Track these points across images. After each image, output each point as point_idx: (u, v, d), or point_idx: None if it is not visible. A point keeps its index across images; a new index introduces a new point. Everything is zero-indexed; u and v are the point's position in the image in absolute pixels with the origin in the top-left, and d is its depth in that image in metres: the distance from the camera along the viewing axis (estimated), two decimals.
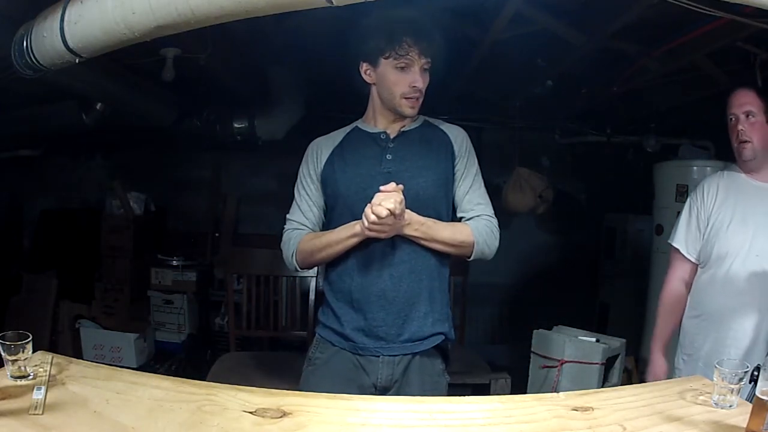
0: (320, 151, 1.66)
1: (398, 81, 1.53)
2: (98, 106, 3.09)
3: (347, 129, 1.70)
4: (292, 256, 1.62)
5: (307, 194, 1.66)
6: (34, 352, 1.14)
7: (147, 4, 1.46)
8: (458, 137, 1.65)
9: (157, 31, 1.53)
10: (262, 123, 3.62)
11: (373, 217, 1.36)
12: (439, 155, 1.60)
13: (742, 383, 1.15)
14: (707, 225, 1.88)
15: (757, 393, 1.04)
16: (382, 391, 1.54)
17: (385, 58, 1.53)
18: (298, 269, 1.67)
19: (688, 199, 1.99)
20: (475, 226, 1.58)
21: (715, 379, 1.18)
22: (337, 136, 1.69)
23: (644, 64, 2.62)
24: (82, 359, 1.32)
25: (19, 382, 1.09)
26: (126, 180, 4.05)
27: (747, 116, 1.79)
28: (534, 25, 2.32)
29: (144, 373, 1.40)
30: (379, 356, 1.53)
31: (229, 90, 3.41)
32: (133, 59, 2.63)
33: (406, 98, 1.55)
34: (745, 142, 1.79)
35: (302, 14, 1.51)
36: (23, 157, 3.88)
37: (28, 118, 3.28)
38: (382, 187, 1.40)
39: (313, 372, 1.62)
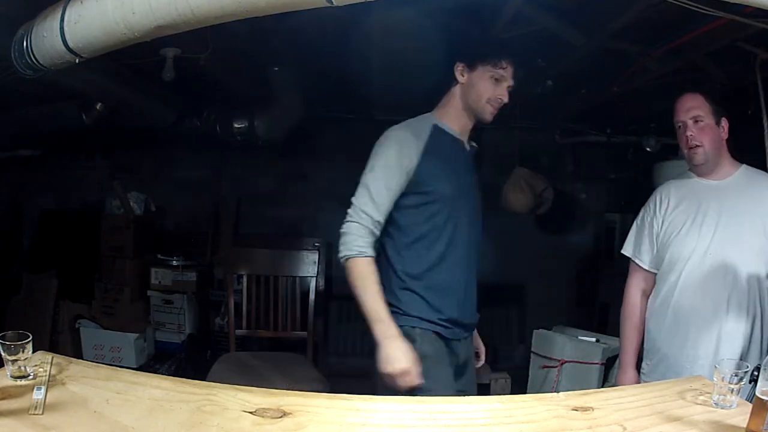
0: (412, 144, 1.67)
1: (489, 89, 1.69)
2: (98, 106, 3.09)
3: (427, 125, 1.73)
4: (346, 259, 1.62)
5: (391, 187, 1.65)
6: (34, 352, 1.14)
7: (147, 4, 1.46)
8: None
9: (157, 31, 1.53)
10: (262, 123, 3.62)
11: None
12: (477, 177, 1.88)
13: (742, 383, 1.15)
14: (660, 232, 1.89)
15: (757, 393, 1.04)
16: (463, 368, 1.78)
17: (484, 65, 1.68)
18: (343, 263, 1.64)
19: (641, 210, 2.01)
20: None
21: (715, 379, 1.18)
22: (421, 131, 1.72)
23: (644, 64, 2.62)
24: (82, 359, 1.32)
25: (19, 382, 1.09)
26: (126, 180, 4.05)
27: (695, 121, 1.80)
28: (534, 25, 2.32)
29: (144, 373, 1.40)
30: (460, 339, 1.75)
31: (229, 90, 3.41)
32: (133, 59, 2.63)
33: (490, 104, 1.70)
34: (697, 146, 1.79)
35: (302, 14, 1.51)
36: (23, 157, 3.88)
37: (28, 118, 3.28)
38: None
39: (431, 366, 1.63)
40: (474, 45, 1.78)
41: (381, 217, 1.64)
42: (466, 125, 1.78)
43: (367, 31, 2.39)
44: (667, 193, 1.91)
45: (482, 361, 1.99)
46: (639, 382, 1.92)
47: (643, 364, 1.94)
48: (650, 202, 1.97)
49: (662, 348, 1.86)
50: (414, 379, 1.52)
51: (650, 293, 1.93)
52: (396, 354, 1.52)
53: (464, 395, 1.52)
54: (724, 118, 1.81)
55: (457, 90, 1.74)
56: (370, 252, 1.61)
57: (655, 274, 1.92)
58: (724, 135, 1.82)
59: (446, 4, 2.13)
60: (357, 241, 1.61)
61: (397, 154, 1.65)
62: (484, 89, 1.69)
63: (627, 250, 2.00)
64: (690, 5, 1.61)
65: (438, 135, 1.71)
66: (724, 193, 1.80)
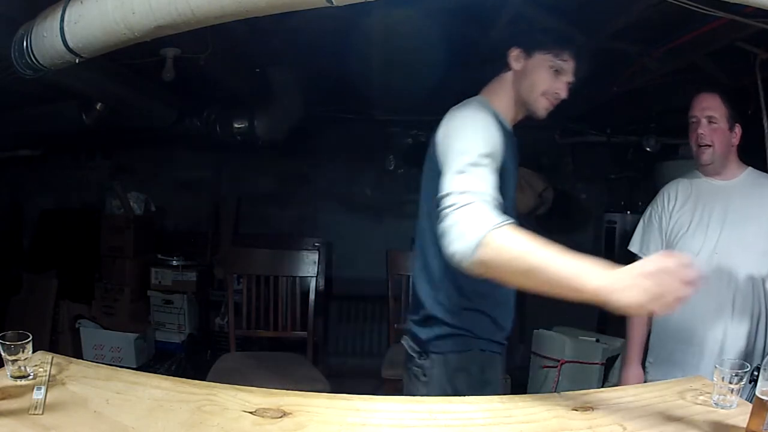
0: (495, 126, 1.41)
1: (546, 80, 1.49)
2: (98, 106, 3.09)
3: (489, 110, 1.47)
4: (477, 247, 1.13)
5: (495, 163, 1.32)
6: (34, 352, 1.14)
7: (147, 4, 1.46)
8: None
9: (157, 31, 1.53)
10: (262, 123, 3.62)
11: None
12: None
13: (742, 383, 1.15)
14: (668, 230, 1.90)
15: (757, 393, 1.04)
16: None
17: (544, 54, 1.49)
18: (470, 269, 1.16)
19: (648, 207, 2.01)
20: None
21: (715, 379, 1.18)
22: (490, 115, 1.46)
23: (644, 64, 2.62)
24: (82, 359, 1.32)
25: (19, 382, 1.09)
26: (126, 180, 4.05)
27: (709, 121, 1.79)
28: (534, 25, 2.32)
29: (144, 373, 1.40)
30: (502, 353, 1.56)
31: (229, 90, 3.41)
32: (133, 59, 2.63)
33: (546, 98, 1.51)
34: (706, 146, 1.80)
35: (302, 14, 1.51)
36: (23, 157, 3.88)
37: (28, 118, 3.28)
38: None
39: (492, 394, 1.39)
40: (534, 30, 1.56)
41: (495, 194, 1.24)
42: (516, 118, 1.58)
43: (367, 31, 2.39)
44: (675, 191, 1.92)
45: None
46: (643, 378, 1.93)
47: (649, 358, 1.95)
48: (657, 199, 1.97)
49: (668, 345, 1.87)
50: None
51: None
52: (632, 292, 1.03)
53: None
54: (738, 124, 1.82)
55: (509, 77, 1.54)
56: (509, 220, 1.17)
57: None
58: (736, 141, 1.82)
59: (446, 5, 2.12)
60: (476, 224, 1.15)
61: (492, 131, 1.37)
62: (540, 80, 1.49)
63: (634, 246, 2.01)
64: (690, 5, 1.61)
65: (500, 124, 1.46)
66: (730, 194, 1.81)
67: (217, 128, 3.72)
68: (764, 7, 1.30)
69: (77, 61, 1.73)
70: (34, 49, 1.80)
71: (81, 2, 1.60)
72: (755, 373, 1.32)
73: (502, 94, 1.55)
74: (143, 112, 3.36)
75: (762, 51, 2.18)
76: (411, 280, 1.67)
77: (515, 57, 1.52)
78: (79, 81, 2.57)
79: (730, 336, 1.75)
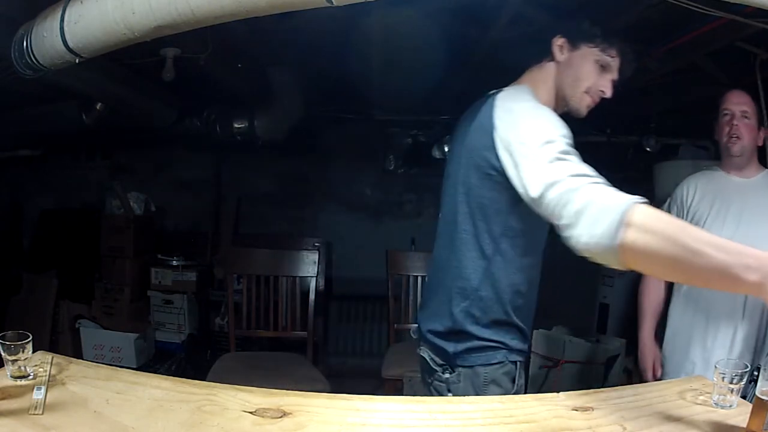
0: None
1: (592, 75, 1.40)
2: (98, 106, 3.09)
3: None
4: (618, 227, 0.98)
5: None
6: (34, 352, 1.14)
7: (147, 4, 1.46)
8: None
9: (157, 31, 1.53)
10: (262, 123, 3.62)
11: None
12: None
13: (742, 383, 1.15)
14: (688, 221, 1.92)
15: (757, 393, 1.04)
16: None
17: (590, 47, 1.39)
18: (612, 256, 1.02)
19: (668, 200, 2.06)
20: None
21: (715, 379, 1.18)
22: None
23: (644, 64, 2.62)
24: (82, 359, 1.32)
25: (19, 382, 1.09)
26: (126, 180, 4.05)
27: (742, 115, 1.86)
28: (534, 25, 2.32)
29: (144, 373, 1.39)
30: None
31: (229, 90, 3.41)
32: (133, 59, 2.63)
33: (590, 95, 1.41)
34: (737, 137, 1.86)
35: (302, 14, 1.51)
36: (23, 157, 3.88)
37: (28, 118, 3.28)
38: None
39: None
40: (581, 21, 1.43)
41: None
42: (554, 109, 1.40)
43: (367, 31, 2.39)
44: (694, 185, 1.96)
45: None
46: (659, 355, 1.99)
47: (664, 347, 1.99)
48: (677, 192, 2.02)
49: (683, 336, 1.90)
50: None
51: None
52: None
53: None
54: (763, 128, 1.90)
55: (551, 68, 1.43)
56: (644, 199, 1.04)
57: None
58: (759, 141, 1.89)
59: (446, 5, 2.12)
60: (616, 195, 1.04)
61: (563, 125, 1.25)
62: (585, 74, 1.39)
63: None
64: (690, 5, 1.61)
65: None
66: (748, 192, 1.86)
67: (217, 128, 3.73)
68: (764, 7, 1.30)
69: (77, 61, 1.73)
70: (34, 49, 1.80)
71: (81, 2, 1.60)
72: (755, 373, 1.33)
73: (543, 85, 1.43)
74: (143, 112, 3.36)
75: (762, 51, 2.19)
76: (426, 287, 1.57)
77: (560, 47, 1.41)
78: (79, 81, 2.57)
79: (740, 335, 1.78)
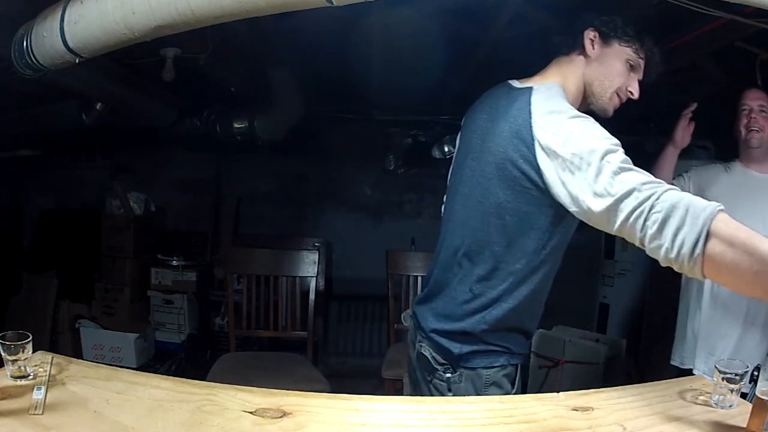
0: None
1: (624, 74, 1.36)
2: (98, 106, 3.09)
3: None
4: (703, 235, 0.96)
5: None
6: (34, 352, 1.14)
7: (147, 4, 1.46)
8: None
9: (157, 31, 1.53)
10: (262, 123, 3.62)
11: None
12: None
13: (742, 383, 1.15)
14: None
15: (757, 393, 1.04)
16: None
17: (623, 45, 1.35)
18: (696, 267, 0.99)
19: (675, 182, 2.07)
20: None
21: (715, 379, 1.18)
22: None
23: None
24: (82, 359, 1.32)
25: (19, 382, 1.09)
26: (126, 180, 4.05)
27: (761, 110, 1.93)
28: (534, 25, 2.32)
29: (144, 373, 1.39)
30: None
31: (229, 90, 3.41)
32: (133, 59, 2.63)
33: (619, 95, 1.38)
34: (756, 130, 1.92)
35: (302, 14, 1.51)
36: (23, 157, 3.88)
37: (28, 118, 3.27)
38: None
39: None
40: (615, 17, 1.37)
41: None
42: (577, 107, 1.35)
43: (367, 31, 2.39)
44: (712, 171, 2.04)
45: None
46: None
47: (687, 330, 2.00)
48: (691, 171, 2.10)
49: (694, 329, 1.93)
50: None
51: None
52: None
53: None
54: None
55: (580, 62, 1.37)
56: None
57: None
58: None
59: (446, 5, 2.12)
60: (696, 201, 1.01)
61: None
62: (617, 73, 1.34)
63: None
64: (690, 5, 1.61)
65: None
66: (762, 186, 1.91)
67: (217, 128, 3.73)
68: (764, 7, 1.30)
69: (77, 61, 1.73)
70: (34, 49, 1.80)
71: (81, 2, 1.60)
72: (755, 373, 1.33)
73: (572, 79, 1.37)
74: (143, 112, 3.36)
75: (762, 51, 2.19)
76: (432, 283, 1.52)
77: (591, 40, 1.35)
78: (79, 81, 2.57)
79: (750, 332, 1.80)
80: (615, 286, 4.03)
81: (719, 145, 3.30)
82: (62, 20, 1.64)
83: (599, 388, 1.28)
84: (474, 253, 1.37)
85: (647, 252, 1.06)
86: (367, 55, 2.70)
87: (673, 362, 2.01)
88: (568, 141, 1.18)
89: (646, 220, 1.04)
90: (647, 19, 2.06)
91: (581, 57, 1.37)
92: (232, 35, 2.37)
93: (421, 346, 1.47)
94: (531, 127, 1.23)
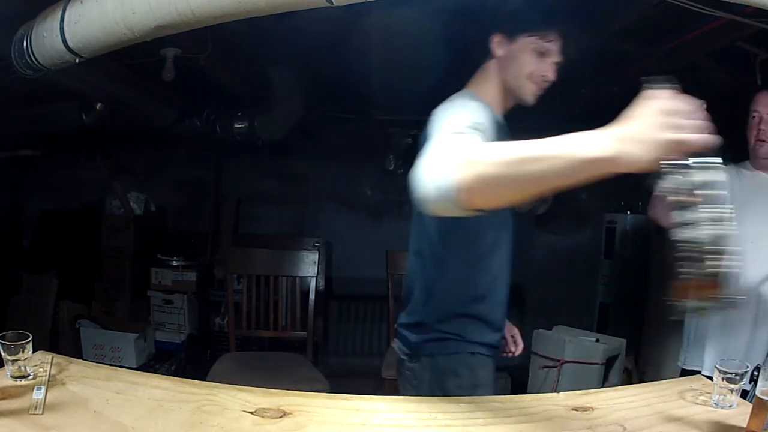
0: (484, 116, 1.28)
1: (531, 63, 1.43)
2: (98, 106, 3.10)
3: (480, 102, 1.40)
4: (455, 167, 0.93)
5: (486, 136, 1.16)
6: (34, 352, 1.14)
7: (147, 4, 1.46)
8: None
9: (157, 31, 1.54)
10: (262, 123, 3.62)
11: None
12: None
13: (742, 383, 1.15)
14: None
15: (757, 393, 1.04)
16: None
17: (527, 37, 1.42)
18: (453, 198, 0.92)
19: None
20: None
21: (715, 379, 1.18)
22: (482, 106, 1.37)
23: (644, 64, 2.61)
24: (82, 359, 1.32)
25: (19, 382, 1.09)
26: (126, 180, 4.05)
27: None
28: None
29: (144, 373, 1.40)
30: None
31: (229, 90, 3.41)
32: (133, 59, 2.63)
33: (532, 81, 1.45)
34: (763, 141, 1.86)
35: (302, 14, 1.51)
36: (23, 157, 3.88)
37: (28, 118, 3.27)
38: None
39: (480, 394, 1.41)
40: (515, 13, 1.46)
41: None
42: (506, 107, 1.51)
43: (367, 31, 2.39)
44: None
45: (521, 345, 1.73)
46: None
47: (684, 338, 1.99)
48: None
49: (700, 333, 1.91)
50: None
51: None
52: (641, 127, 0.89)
53: None
54: None
55: (492, 65, 1.48)
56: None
57: None
58: None
59: (446, 5, 2.12)
60: (458, 148, 1.02)
61: (481, 114, 1.26)
62: (525, 63, 1.43)
63: None
64: (690, 5, 1.61)
65: (489, 116, 1.36)
66: None
67: (217, 128, 3.73)
68: (764, 7, 1.30)
69: (77, 61, 1.74)
70: (34, 49, 1.80)
71: (81, 2, 1.60)
72: (755, 373, 1.33)
73: (487, 83, 1.49)
74: (143, 112, 3.36)
75: (762, 51, 2.19)
76: (404, 284, 1.66)
77: (498, 43, 1.46)
78: (79, 81, 2.57)
79: (759, 320, 1.79)
80: (615, 286, 4.03)
81: (719, 146, 3.30)
82: (62, 20, 1.64)
83: (599, 388, 1.28)
84: (421, 249, 1.50)
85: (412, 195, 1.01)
86: (367, 55, 2.70)
87: (679, 363, 1.99)
88: (435, 125, 1.24)
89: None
90: (647, 19, 2.06)
91: (493, 60, 1.48)
92: (232, 35, 2.37)
93: (395, 341, 1.59)
94: (426, 128, 1.32)
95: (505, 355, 1.70)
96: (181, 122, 3.67)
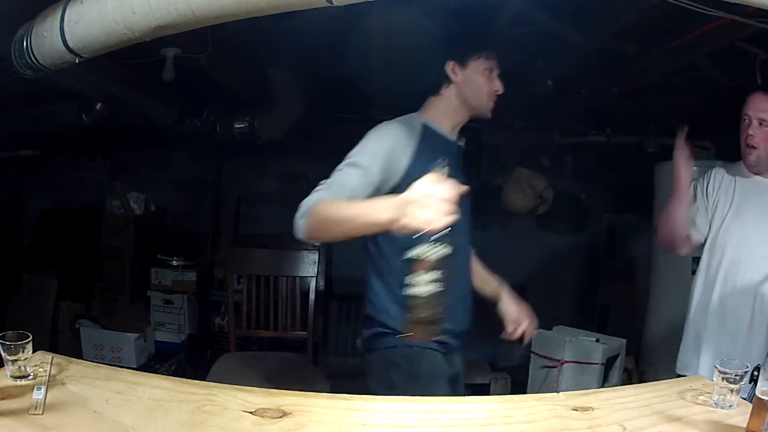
0: (405, 141, 1.52)
1: (488, 82, 1.62)
2: (98, 106, 3.10)
3: (417, 125, 1.59)
4: (304, 216, 1.34)
5: (371, 171, 1.45)
6: (34, 352, 1.14)
7: (147, 4, 1.46)
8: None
9: (157, 31, 1.54)
10: (262, 123, 3.62)
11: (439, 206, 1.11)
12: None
13: (742, 383, 1.15)
14: (710, 209, 1.92)
15: (757, 393, 1.04)
16: (457, 379, 1.67)
17: (476, 60, 1.60)
18: (303, 236, 1.37)
19: (694, 183, 1.99)
20: None
21: (715, 379, 1.18)
22: (412, 130, 1.57)
23: (644, 64, 2.62)
24: (82, 359, 1.32)
25: (19, 382, 1.09)
26: (126, 180, 4.05)
27: (760, 123, 1.80)
28: (534, 25, 2.32)
29: (144, 373, 1.40)
30: (456, 350, 1.65)
31: (229, 90, 3.41)
32: (133, 59, 2.63)
33: (491, 99, 1.63)
34: (752, 147, 1.81)
35: (302, 14, 1.51)
36: (23, 157, 3.88)
37: (28, 118, 3.28)
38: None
39: (428, 386, 1.51)
40: (463, 41, 1.66)
41: (349, 193, 1.41)
42: (460, 123, 1.68)
43: (367, 31, 2.39)
44: (722, 175, 1.95)
45: (526, 323, 1.81)
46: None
47: (683, 344, 1.97)
48: (700, 180, 2.00)
49: (700, 328, 1.89)
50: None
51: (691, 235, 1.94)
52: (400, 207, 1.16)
53: None
54: None
55: (451, 90, 1.64)
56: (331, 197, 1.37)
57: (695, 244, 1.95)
58: None
59: (446, 5, 2.12)
60: (309, 201, 1.37)
61: (386, 148, 1.49)
62: (483, 84, 1.61)
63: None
64: (690, 5, 1.62)
65: (429, 135, 1.59)
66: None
67: (217, 128, 3.73)
68: (764, 7, 1.30)
69: (77, 61, 1.74)
70: (34, 49, 1.80)
71: (81, 2, 1.60)
72: (755, 373, 1.33)
73: (440, 105, 1.65)
74: (143, 112, 3.36)
75: (762, 51, 2.19)
76: None
77: (452, 70, 1.62)
78: (79, 81, 2.57)
79: (755, 332, 1.78)
80: (615, 286, 4.04)
81: (719, 145, 3.30)
82: (62, 20, 1.64)
83: (599, 388, 1.28)
84: (365, 244, 1.62)
85: None
86: (367, 55, 2.70)
87: (677, 369, 1.97)
88: None
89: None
90: (647, 19, 2.06)
91: (451, 86, 1.63)
92: (232, 35, 2.37)
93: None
94: None
95: (510, 338, 1.79)
96: (181, 122, 3.67)
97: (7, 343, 1.08)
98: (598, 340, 2.89)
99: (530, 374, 3.03)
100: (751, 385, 1.33)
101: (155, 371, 3.35)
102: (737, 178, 1.91)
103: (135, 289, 3.82)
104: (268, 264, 2.74)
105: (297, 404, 1.12)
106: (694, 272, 2.00)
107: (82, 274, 3.91)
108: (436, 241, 1.12)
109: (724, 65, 2.52)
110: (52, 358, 1.21)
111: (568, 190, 4.36)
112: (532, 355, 3.03)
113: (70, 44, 1.66)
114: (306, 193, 1.41)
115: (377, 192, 1.45)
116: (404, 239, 1.30)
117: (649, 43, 2.42)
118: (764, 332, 1.77)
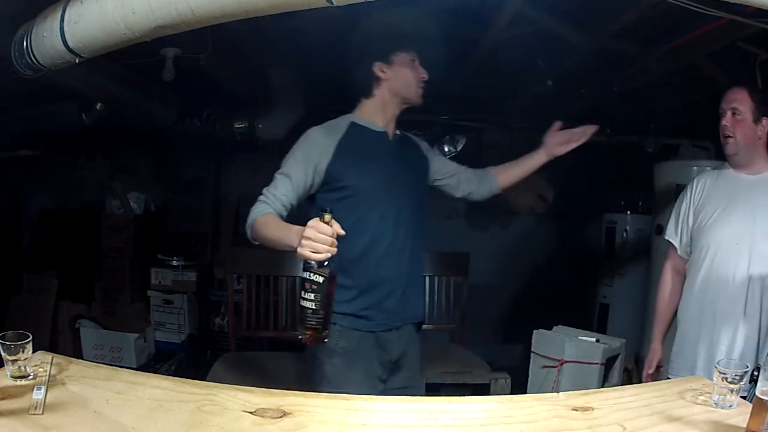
0: (324, 143, 1.74)
1: (413, 73, 1.76)
2: (98, 106, 3.09)
3: (343, 124, 1.79)
4: (249, 228, 1.66)
5: (295, 178, 1.72)
6: (34, 352, 1.14)
7: (147, 4, 1.46)
8: (423, 144, 1.98)
9: (157, 31, 1.53)
10: (262, 123, 3.62)
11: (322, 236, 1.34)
12: (420, 159, 1.91)
13: (742, 383, 1.15)
14: (695, 219, 1.96)
15: (757, 393, 1.04)
16: (397, 364, 1.76)
17: (398, 55, 1.74)
18: (252, 241, 1.67)
19: (680, 195, 2.08)
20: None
21: (715, 379, 1.18)
22: (336, 130, 1.77)
23: (644, 64, 2.62)
24: (82, 359, 1.32)
25: (19, 382, 1.09)
26: (126, 180, 4.05)
27: (733, 113, 1.85)
28: (534, 25, 2.32)
29: (144, 373, 1.40)
30: (392, 330, 1.74)
31: (229, 90, 3.41)
32: (133, 59, 2.63)
33: (419, 87, 1.78)
34: (728, 137, 1.87)
35: (302, 14, 1.51)
36: (23, 157, 3.87)
37: (28, 118, 3.27)
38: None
39: (349, 362, 1.68)
40: (382, 41, 1.80)
41: (281, 198, 1.70)
42: (392, 115, 1.81)
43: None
44: (704, 182, 1.99)
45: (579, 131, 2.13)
46: (660, 355, 2.05)
47: (674, 346, 1.99)
48: (687, 190, 2.04)
49: (691, 337, 1.90)
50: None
51: (683, 275, 2.01)
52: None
53: (402, 394, 1.56)
54: (765, 117, 1.85)
55: (383, 88, 1.78)
56: (270, 210, 1.65)
57: (686, 260, 2.00)
58: (762, 134, 1.86)
59: (446, 5, 2.12)
60: (253, 212, 1.66)
61: (306, 149, 1.74)
62: (410, 76, 1.76)
63: (669, 235, 2.08)
64: (690, 5, 1.62)
65: (354, 132, 1.76)
66: (755, 189, 1.85)
67: (217, 128, 3.72)
68: (764, 7, 1.30)
69: (77, 61, 1.73)
70: (34, 49, 1.80)
71: (81, 2, 1.60)
72: (755, 373, 1.33)
73: (370, 103, 1.80)
74: (143, 112, 3.36)
75: (762, 51, 2.19)
76: None
77: (379, 69, 1.75)
78: (79, 81, 2.57)
79: (741, 331, 1.78)
80: (615, 286, 4.03)
81: (719, 146, 3.30)
82: (62, 20, 1.64)
83: (599, 388, 1.29)
84: None
85: None
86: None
87: (669, 374, 1.98)
88: None
89: None
90: (647, 19, 2.06)
91: (383, 84, 1.77)
92: (232, 35, 2.37)
93: None
94: None
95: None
96: (181, 122, 3.67)
97: (7, 343, 1.08)
98: (598, 340, 2.89)
99: (530, 374, 3.03)
100: (751, 385, 1.33)
101: (155, 371, 3.35)
102: (722, 178, 1.94)
103: (135, 289, 3.82)
104: (268, 264, 2.74)
105: (297, 404, 1.12)
106: None
107: (82, 274, 3.91)
108: (318, 267, 1.32)
109: (724, 65, 2.51)
110: (52, 358, 1.21)
111: (568, 190, 4.36)
112: (532, 355, 3.02)
113: (70, 44, 1.66)
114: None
115: (312, 188, 1.74)
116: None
117: (649, 43, 2.42)
118: (755, 331, 1.77)
